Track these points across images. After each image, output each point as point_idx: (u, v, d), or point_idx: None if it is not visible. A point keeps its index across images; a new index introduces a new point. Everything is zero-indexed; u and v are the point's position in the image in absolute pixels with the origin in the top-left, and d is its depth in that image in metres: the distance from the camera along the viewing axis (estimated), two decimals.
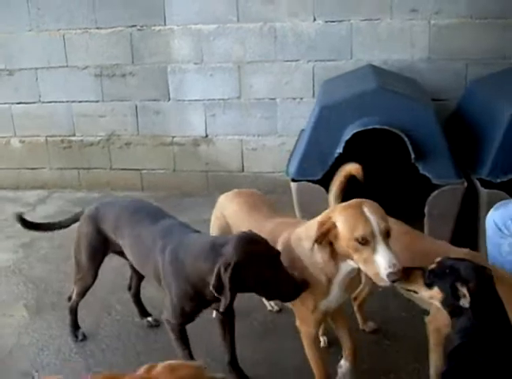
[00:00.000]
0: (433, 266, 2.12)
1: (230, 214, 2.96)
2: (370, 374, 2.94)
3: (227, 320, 2.83)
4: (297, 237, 2.47)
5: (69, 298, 3.29)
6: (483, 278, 2.01)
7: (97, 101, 5.48)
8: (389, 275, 2.14)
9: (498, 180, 3.65)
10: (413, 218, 3.21)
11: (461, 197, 3.68)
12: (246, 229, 2.50)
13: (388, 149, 3.98)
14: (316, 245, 2.32)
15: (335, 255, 2.32)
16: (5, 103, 5.66)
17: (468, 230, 3.74)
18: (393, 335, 3.24)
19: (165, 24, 5.15)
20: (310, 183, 3.80)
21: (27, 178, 5.83)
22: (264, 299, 3.35)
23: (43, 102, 5.58)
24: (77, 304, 3.28)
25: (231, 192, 3.13)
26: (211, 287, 2.32)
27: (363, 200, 2.30)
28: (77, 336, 3.30)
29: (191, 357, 2.65)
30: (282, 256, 2.41)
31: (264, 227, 2.62)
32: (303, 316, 2.54)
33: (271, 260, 2.36)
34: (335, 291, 2.45)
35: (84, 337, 3.31)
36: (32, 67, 5.48)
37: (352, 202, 2.31)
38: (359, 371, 2.94)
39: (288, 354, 3.03)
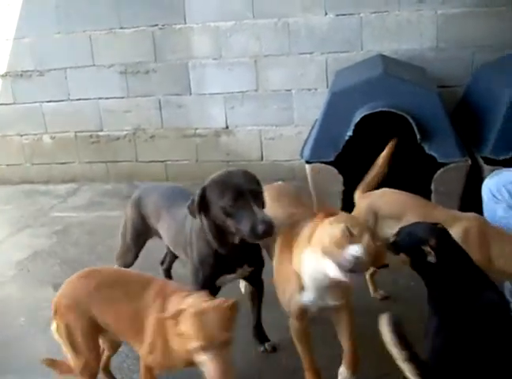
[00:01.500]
0: (393, 238, 2.37)
1: None
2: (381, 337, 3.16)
3: (257, 291, 3.04)
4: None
5: None
6: (438, 233, 2.26)
7: (123, 97, 5.78)
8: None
9: (501, 157, 3.89)
10: (421, 195, 3.41)
11: (466, 174, 3.91)
12: None
13: (395, 132, 4.20)
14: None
15: None
16: (36, 102, 5.98)
17: (473, 205, 3.94)
18: (403, 302, 3.44)
19: (185, 23, 5.43)
20: (324, 164, 4.07)
21: (58, 172, 6.15)
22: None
23: (72, 100, 5.89)
24: None
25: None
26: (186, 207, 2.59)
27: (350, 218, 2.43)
28: None
29: None
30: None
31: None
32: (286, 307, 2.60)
33: (240, 193, 2.47)
34: (310, 292, 2.45)
35: None
36: (60, 67, 5.80)
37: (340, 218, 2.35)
38: (370, 334, 3.16)
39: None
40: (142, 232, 3.27)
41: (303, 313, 2.53)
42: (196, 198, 2.55)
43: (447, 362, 2.00)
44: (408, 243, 2.28)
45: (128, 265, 3.41)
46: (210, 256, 2.71)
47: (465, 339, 2.02)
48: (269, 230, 2.43)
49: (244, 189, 2.48)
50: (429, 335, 2.14)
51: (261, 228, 2.40)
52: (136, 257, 3.38)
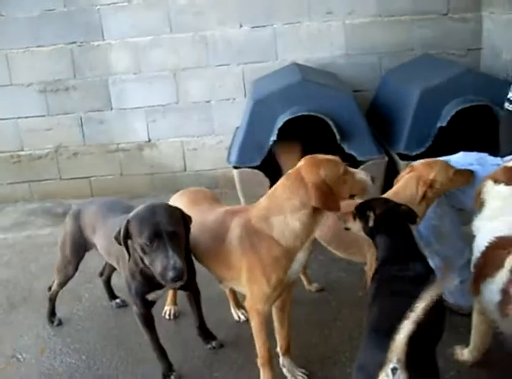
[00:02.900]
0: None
1: None
2: (320, 324, 3.37)
3: (194, 296, 3.18)
4: (261, 215, 2.57)
5: (50, 288, 3.60)
6: (385, 204, 2.54)
7: (43, 116, 5.74)
8: None
9: (414, 153, 4.20)
10: None
11: (384, 170, 4.20)
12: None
13: (317, 134, 4.45)
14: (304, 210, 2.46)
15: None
16: None
17: None
18: (337, 292, 3.68)
19: (103, 39, 5.50)
20: (250, 169, 4.26)
21: None
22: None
23: None
24: (57, 293, 3.58)
25: (178, 192, 3.34)
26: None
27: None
28: (52, 322, 3.62)
29: (157, 341, 2.98)
30: (238, 240, 2.61)
31: (207, 218, 2.86)
32: (261, 293, 2.60)
33: (157, 233, 2.53)
34: (302, 254, 2.58)
35: (60, 322, 3.63)
36: None
37: None
38: (310, 322, 3.37)
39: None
40: (81, 244, 3.32)
41: (281, 292, 2.67)
42: (122, 229, 2.62)
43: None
44: (361, 210, 2.55)
45: (69, 277, 3.47)
46: (138, 273, 2.79)
47: (392, 308, 2.13)
48: (179, 277, 2.50)
49: (161, 230, 2.53)
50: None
51: (170, 274, 2.48)
52: (76, 268, 3.43)
